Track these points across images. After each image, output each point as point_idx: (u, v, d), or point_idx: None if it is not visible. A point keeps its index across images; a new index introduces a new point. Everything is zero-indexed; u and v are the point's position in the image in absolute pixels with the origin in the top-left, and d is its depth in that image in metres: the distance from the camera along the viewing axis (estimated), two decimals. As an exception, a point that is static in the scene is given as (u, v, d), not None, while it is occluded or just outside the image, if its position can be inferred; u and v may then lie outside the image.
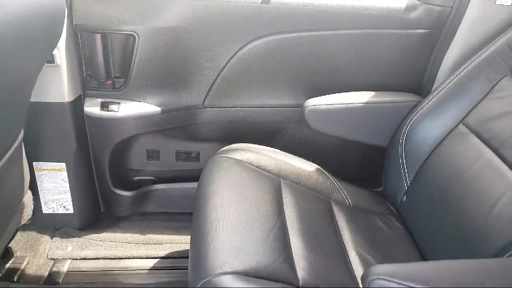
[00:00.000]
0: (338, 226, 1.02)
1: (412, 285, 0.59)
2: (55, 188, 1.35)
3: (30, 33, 0.74)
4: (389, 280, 0.60)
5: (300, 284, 0.79)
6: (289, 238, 0.89)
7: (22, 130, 1.03)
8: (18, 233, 1.39)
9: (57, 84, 1.16)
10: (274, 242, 0.86)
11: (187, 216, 1.51)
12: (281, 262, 0.82)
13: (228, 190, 0.98)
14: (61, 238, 1.41)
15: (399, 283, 0.59)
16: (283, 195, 1.03)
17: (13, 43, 0.70)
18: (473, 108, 1.01)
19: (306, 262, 0.85)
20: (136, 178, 1.49)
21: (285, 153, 1.19)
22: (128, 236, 1.45)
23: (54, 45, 0.93)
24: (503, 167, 0.87)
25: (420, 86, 1.28)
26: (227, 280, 0.74)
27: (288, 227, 0.93)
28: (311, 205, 1.05)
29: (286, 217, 0.96)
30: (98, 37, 1.16)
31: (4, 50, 0.68)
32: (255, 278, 0.76)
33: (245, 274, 0.76)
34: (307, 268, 0.84)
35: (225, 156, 1.10)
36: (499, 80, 0.98)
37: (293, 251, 0.87)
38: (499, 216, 0.82)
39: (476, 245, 0.83)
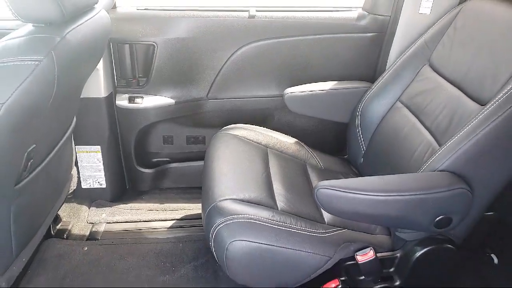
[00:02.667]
0: (310, 179, 1.38)
1: (342, 190, 0.95)
2: (92, 167, 1.72)
3: (94, 48, 1.12)
4: (328, 188, 0.96)
5: (278, 209, 1.15)
6: (272, 183, 1.25)
7: (75, 117, 1.41)
8: (63, 205, 1.74)
9: (96, 84, 1.53)
10: (261, 184, 1.22)
11: (196, 189, 1.86)
12: (265, 196, 1.18)
13: (228, 155, 1.34)
14: (97, 208, 1.77)
15: (334, 189, 0.95)
16: (269, 159, 1.39)
17: (87, 58, 1.08)
18: (405, 89, 1.37)
19: (284, 198, 1.20)
20: (154, 159, 1.85)
21: (272, 130, 1.55)
22: (150, 205, 1.80)
23: (102, 55, 1.31)
24: (421, 127, 1.24)
25: (374, 76, 1.64)
26: (227, 203, 1.10)
27: (272, 177, 1.29)
28: (290, 166, 1.41)
29: (271, 172, 1.31)
30: (126, 47, 1.54)
31: (80, 63, 1.06)
32: (247, 202, 1.12)
33: (240, 200, 1.12)
34: (284, 201, 1.19)
35: (226, 133, 1.47)
36: (421, 68, 1.35)
37: (274, 191, 1.22)
38: (416, 159, 1.17)
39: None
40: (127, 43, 1.54)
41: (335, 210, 1.00)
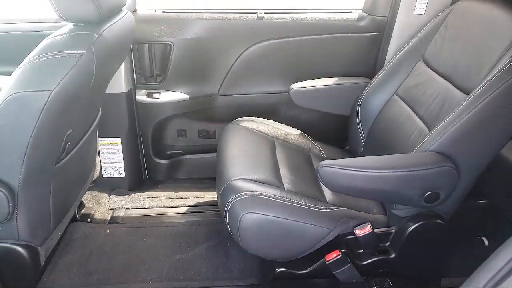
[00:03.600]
0: (313, 166, 1.51)
1: (342, 167, 1.08)
2: (112, 157, 1.86)
3: (123, 45, 1.26)
4: (329, 166, 1.09)
5: (285, 189, 1.28)
6: (279, 168, 1.38)
7: (100, 110, 1.55)
8: (86, 193, 1.88)
9: (118, 80, 1.67)
10: (269, 168, 1.35)
11: (207, 180, 2.00)
12: (273, 177, 1.31)
13: (239, 143, 1.47)
14: (116, 195, 1.91)
15: (335, 167, 1.08)
16: (276, 148, 1.52)
17: (118, 54, 1.21)
18: (402, 83, 1.50)
19: (289, 180, 1.33)
20: (169, 151, 1.99)
21: (278, 123, 1.68)
22: (165, 193, 1.94)
23: (127, 52, 1.45)
24: (415, 116, 1.36)
25: (373, 72, 1.77)
26: (240, 182, 1.23)
27: (279, 163, 1.42)
28: (295, 154, 1.54)
29: (278, 159, 1.44)
30: (145, 46, 1.69)
31: (112, 58, 1.20)
32: (257, 182, 1.25)
33: (251, 180, 1.25)
34: (290, 182, 1.32)
35: (236, 124, 1.60)
36: (415, 64, 1.48)
37: (281, 174, 1.35)
38: (410, 144, 1.30)
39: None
40: (146, 43, 1.68)
41: (336, 186, 1.13)
